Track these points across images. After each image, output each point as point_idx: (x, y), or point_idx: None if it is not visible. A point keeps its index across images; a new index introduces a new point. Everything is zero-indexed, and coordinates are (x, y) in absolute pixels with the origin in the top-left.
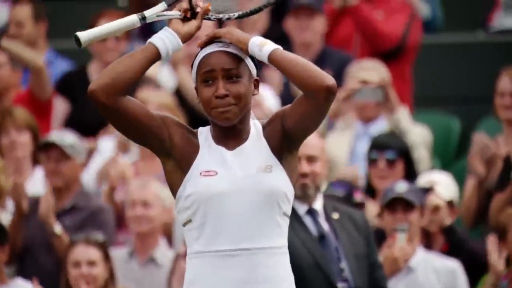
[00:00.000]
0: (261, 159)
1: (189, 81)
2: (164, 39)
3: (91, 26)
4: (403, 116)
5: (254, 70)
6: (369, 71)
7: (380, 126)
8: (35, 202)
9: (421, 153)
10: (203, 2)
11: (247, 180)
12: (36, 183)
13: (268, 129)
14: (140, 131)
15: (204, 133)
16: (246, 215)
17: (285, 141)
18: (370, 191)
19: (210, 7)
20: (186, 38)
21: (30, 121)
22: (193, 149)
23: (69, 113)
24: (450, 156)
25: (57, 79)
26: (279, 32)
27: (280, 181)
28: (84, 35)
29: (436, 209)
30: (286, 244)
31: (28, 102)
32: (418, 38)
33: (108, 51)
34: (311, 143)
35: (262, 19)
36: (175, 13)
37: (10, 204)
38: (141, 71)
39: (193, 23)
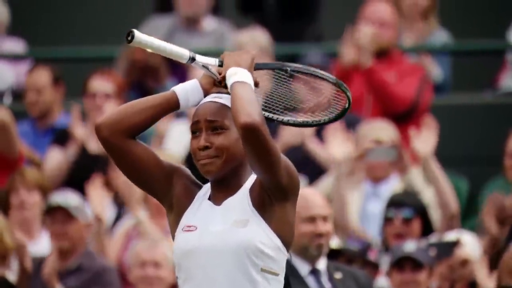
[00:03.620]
0: (239, 213)
1: None
2: (188, 91)
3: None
4: (416, 176)
5: None
6: (381, 131)
7: (391, 186)
8: (40, 262)
9: (433, 213)
10: (264, 81)
11: (219, 236)
12: (44, 243)
13: (253, 183)
14: (144, 177)
15: (207, 187)
16: (219, 272)
17: (265, 193)
18: (386, 250)
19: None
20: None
21: (41, 182)
22: (189, 203)
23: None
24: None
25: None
26: None
27: (254, 236)
28: (138, 35)
29: (464, 263)
30: None
31: None
32: (429, 100)
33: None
34: (323, 203)
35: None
36: (216, 74)
37: (15, 263)
38: (154, 116)
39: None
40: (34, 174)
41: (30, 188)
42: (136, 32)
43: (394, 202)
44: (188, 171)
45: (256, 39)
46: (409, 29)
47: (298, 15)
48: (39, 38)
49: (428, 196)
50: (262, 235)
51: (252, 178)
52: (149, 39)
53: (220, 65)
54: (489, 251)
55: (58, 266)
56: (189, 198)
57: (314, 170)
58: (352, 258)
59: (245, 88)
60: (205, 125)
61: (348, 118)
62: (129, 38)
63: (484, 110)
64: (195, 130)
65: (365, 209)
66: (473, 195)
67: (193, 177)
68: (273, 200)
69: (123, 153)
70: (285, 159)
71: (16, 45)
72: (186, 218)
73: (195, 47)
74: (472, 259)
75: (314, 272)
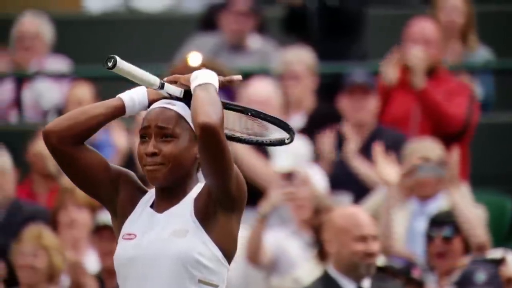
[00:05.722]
0: (180, 223)
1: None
2: (135, 99)
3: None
4: (464, 194)
5: None
6: (429, 149)
7: (438, 204)
8: (99, 278)
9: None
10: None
11: (156, 245)
12: (92, 261)
13: (199, 193)
14: (90, 182)
15: (151, 193)
16: (156, 282)
17: (211, 202)
18: (430, 269)
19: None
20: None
21: (89, 199)
22: (132, 209)
23: None
24: (503, 235)
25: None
26: (329, 111)
27: (192, 246)
28: (120, 62)
29: (510, 281)
30: None
31: None
32: (477, 119)
33: None
34: (371, 222)
35: (309, 98)
36: (178, 92)
37: (65, 282)
38: (103, 122)
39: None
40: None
41: (80, 206)
42: (118, 59)
43: (436, 221)
44: (134, 177)
45: (301, 57)
46: (448, 47)
47: (343, 34)
48: (83, 56)
49: (475, 214)
50: (201, 246)
51: (198, 187)
52: (127, 66)
53: (184, 96)
54: None
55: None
56: (132, 204)
57: (358, 188)
58: (396, 275)
59: (207, 89)
60: (155, 131)
61: (394, 136)
62: (110, 65)
63: None
64: (144, 135)
65: (412, 227)
66: None
67: (139, 183)
68: (218, 210)
69: (71, 160)
70: (237, 170)
71: (60, 63)
72: (127, 226)
73: (240, 66)
74: None
75: None
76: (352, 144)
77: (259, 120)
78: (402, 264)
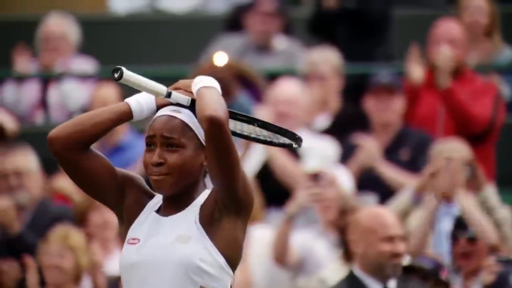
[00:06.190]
0: (184, 229)
1: (278, 154)
2: (142, 105)
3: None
4: (491, 193)
5: None
6: (455, 149)
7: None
8: (115, 282)
9: (508, 231)
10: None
11: (159, 250)
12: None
13: (206, 199)
14: (96, 187)
15: (158, 198)
16: (157, 287)
17: (216, 207)
18: (455, 270)
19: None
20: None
21: None
22: (138, 214)
23: None
24: None
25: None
26: (355, 112)
27: (194, 252)
28: (127, 72)
29: None
30: None
31: None
32: (502, 119)
33: None
34: (398, 223)
35: (334, 99)
36: (185, 100)
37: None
38: (109, 128)
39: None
40: None
41: None
42: (125, 70)
43: (460, 221)
44: (141, 181)
45: (327, 58)
46: (473, 47)
47: (368, 35)
48: (108, 57)
49: (502, 214)
50: (203, 253)
51: (205, 194)
52: (134, 76)
53: (191, 104)
54: None
55: None
56: (139, 209)
57: (384, 190)
58: (426, 277)
59: (212, 90)
60: (161, 140)
61: (419, 137)
62: (117, 77)
63: None
64: (149, 143)
65: (438, 228)
66: None
67: (146, 187)
68: (223, 215)
69: (75, 165)
70: (245, 174)
71: (86, 64)
72: (132, 230)
73: (266, 67)
74: None
75: None
76: (370, 152)
77: (266, 131)
78: (431, 265)
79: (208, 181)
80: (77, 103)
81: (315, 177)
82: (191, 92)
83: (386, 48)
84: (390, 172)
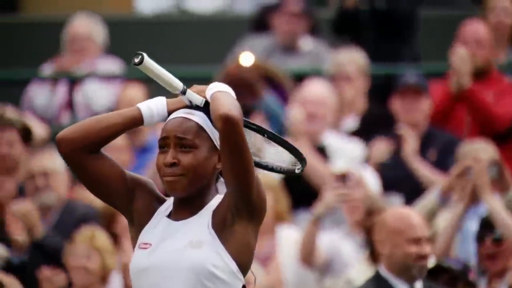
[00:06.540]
0: (196, 234)
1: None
2: (153, 109)
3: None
4: None
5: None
6: (481, 150)
7: None
8: None
9: None
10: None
11: (171, 255)
12: None
13: (219, 203)
14: (106, 191)
15: (169, 202)
16: None
17: (229, 211)
18: (481, 271)
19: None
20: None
21: None
22: (149, 219)
23: None
24: None
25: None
26: (381, 112)
27: (206, 258)
28: (148, 59)
29: None
30: None
31: None
32: None
33: None
34: (423, 224)
35: (361, 100)
36: (199, 100)
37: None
38: (117, 132)
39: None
40: None
41: None
42: (146, 57)
43: (486, 223)
44: (153, 185)
45: (353, 59)
46: (499, 48)
47: (395, 35)
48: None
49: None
50: (216, 258)
51: (217, 199)
52: (154, 65)
53: (204, 106)
54: None
55: None
56: (150, 214)
57: (409, 190)
58: (455, 278)
59: (227, 94)
60: (174, 141)
61: (446, 138)
62: (137, 62)
63: None
64: (163, 145)
65: (464, 229)
66: None
67: (158, 192)
68: (236, 220)
69: (83, 168)
70: (259, 179)
71: (112, 65)
72: (144, 235)
73: (292, 67)
74: None
75: None
76: (411, 145)
77: (273, 143)
78: (459, 266)
79: (220, 186)
80: (103, 104)
81: (343, 177)
82: (205, 97)
83: (412, 49)
84: (423, 169)
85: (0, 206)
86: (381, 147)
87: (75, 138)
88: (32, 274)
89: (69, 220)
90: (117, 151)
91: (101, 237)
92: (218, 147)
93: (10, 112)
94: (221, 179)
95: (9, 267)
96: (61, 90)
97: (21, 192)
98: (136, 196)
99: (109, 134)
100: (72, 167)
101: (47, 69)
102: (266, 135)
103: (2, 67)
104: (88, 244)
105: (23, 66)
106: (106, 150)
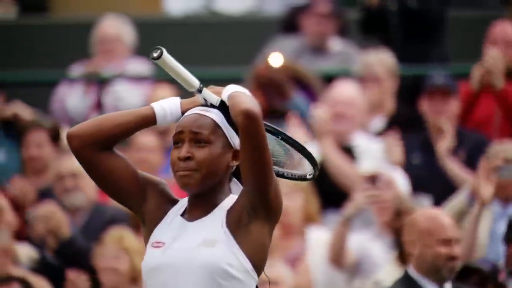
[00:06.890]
0: (210, 233)
1: (333, 155)
2: (166, 109)
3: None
4: None
5: (235, 140)
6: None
7: None
8: None
9: None
10: None
11: (185, 254)
12: None
13: (234, 202)
14: (117, 189)
15: (182, 202)
16: None
17: (244, 211)
18: (509, 273)
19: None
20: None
21: None
22: (161, 218)
23: None
24: None
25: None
26: (410, 114)
27: (221, 256)
28: (167, 55)
29: None
30: None
31: None
32: None
33: None
34: (453, 225)
35: (389, 101)
36: (215, 99)
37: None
38: (129, 131)
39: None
40: None
41: None
42: (165, 52)
43: None
44: (165, 186)
45: (382, 59)
46: None
47: (423, 36)
48: None
49: None
50: (230, 257)
51: (230, 198)
52: (172, 61)
53: (219, 105)
54: None
55: None
56: (162, 213)
57: (438, 191)
58: (484, 279)
59: (245, 94)
60: (189, 136)
61: (475, 139)
62: (156, 56)
63: None
64: (177, 141)
65: (494, 230)
66: None
67: (170, 192)
68: (252, 220)
69: (93, 165)
70: (277, 180)
71: (141, 66)
72: (156, 234)
73: (321, 68)
74: None
75: None
76: (447, 142)
77: (287, 146)
78: (489, 267)
79: (233, 186)
80: (132, 105)
81: (372, 178)
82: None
83: (441, 49)
84: (456, 169)
85: (25, 208)
86: (394, 146)
87: (84, 134)
88: (58, 276)
89: (97, 222)
90: (148, 151)
91: (130, 238)
92: (233, 145)
93: (38, 113)
94: (234, 179)
95: (39, 268)
96: (90, 90)
97: (49, 194)
98: (148, 196)
99: (120, 131)
100: (82, 163)
101: (76, 70)
102: (280, 137)
103: (31, 68)
104: (117, 245)
105: (52, 68)
106: (137, 151)
